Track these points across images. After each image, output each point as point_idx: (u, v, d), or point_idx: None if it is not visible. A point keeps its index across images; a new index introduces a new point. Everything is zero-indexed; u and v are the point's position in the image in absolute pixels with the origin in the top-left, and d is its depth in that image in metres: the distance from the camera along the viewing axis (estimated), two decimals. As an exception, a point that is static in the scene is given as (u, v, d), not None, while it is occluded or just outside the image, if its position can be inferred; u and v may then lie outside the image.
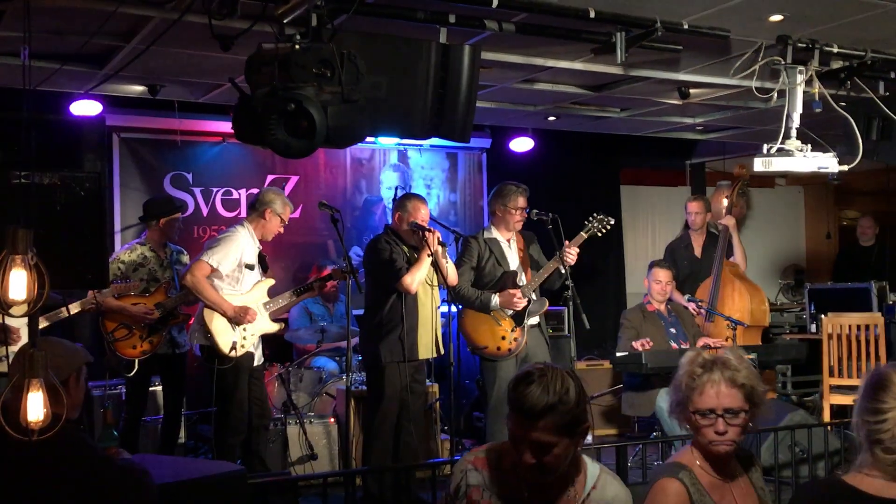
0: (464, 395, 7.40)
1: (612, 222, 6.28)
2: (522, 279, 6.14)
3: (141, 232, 6.35)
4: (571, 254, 5.99)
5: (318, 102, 3.34)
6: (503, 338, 6.01)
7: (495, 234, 6.22)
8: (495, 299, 6.00)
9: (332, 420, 6.49)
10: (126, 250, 6.17)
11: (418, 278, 5.66)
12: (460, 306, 6.09)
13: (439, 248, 5.67)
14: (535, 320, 6.15)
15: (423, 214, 5.80)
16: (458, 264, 6.10)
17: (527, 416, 2.41)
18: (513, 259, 6.20)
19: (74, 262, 3.42)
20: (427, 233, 5.61)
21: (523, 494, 2.54)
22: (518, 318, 6.06)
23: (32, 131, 3.13)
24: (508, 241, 6.23)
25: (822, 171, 5.37)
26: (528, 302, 6.04)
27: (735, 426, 2.57)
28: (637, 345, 6.30)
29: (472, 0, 4.27)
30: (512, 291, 6.00)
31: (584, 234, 6.14)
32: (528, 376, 2.47)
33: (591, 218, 6.22)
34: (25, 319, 2.96)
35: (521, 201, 6.12)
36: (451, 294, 5.87)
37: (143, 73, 5.76)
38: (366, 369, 5.98)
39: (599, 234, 6.25)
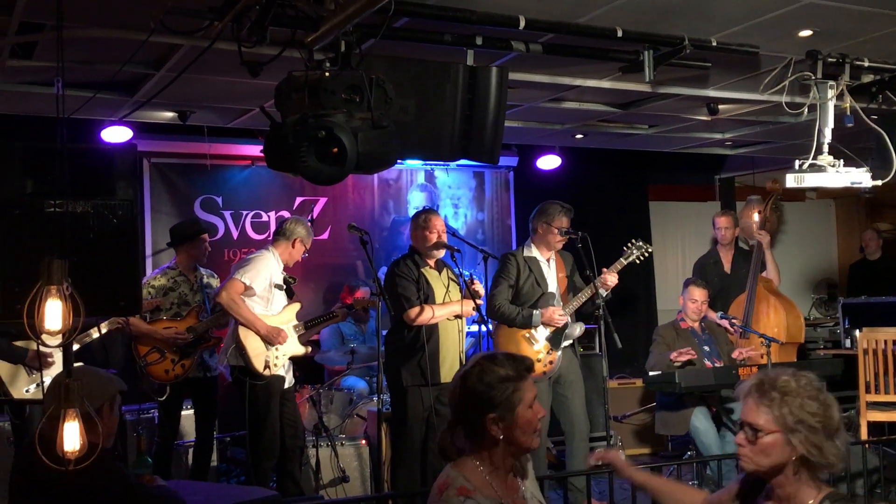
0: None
1: (651, 250, 6.23)
2: (559, 303, 6.08)
3: (172, 257, 6.39)
4: (610, 281, 5.93)
5: (349, 129, 3.35)
6: (538, 360, 5.95)
7: (535, 252, 6.15)
8: (537, 315, 5.94)
9: (364, 442, 6.47)
10: (156, 275, 6.21)
11: (426, 317, 5.67)
12: (490, 327, 6.06)
13: (469, 310, 5.74)
14: (567, 341, 6.11)
15: (438, 226, 5.82)
16: (495, 281, 6.06)
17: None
18: (551, 279, 6.15)
19: (108, 290, 3.43)
20: (476, 286, 5.68)
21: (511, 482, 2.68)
22: (555, 341, 6.01)
23: (65, 160, 3.15)
24: (548, 260, 6.17)
25: (855, 186, 5.30)
26: (566, 326, 6.00)
27: (752, 444, 2.46)
28: (675, 355, 6.23)
29: (498, 22, 4.27)
30: (553, 308, 5.94)
31: (623, 261, 6.11)
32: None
33: (629, 244, 6.17)
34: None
35: (566, 222, 6.06)
36: (489, 312, 5.87)
37: (173, 99, 5.82)
38: (390, 391, 5.98)
39: (638, 262, 6.22)
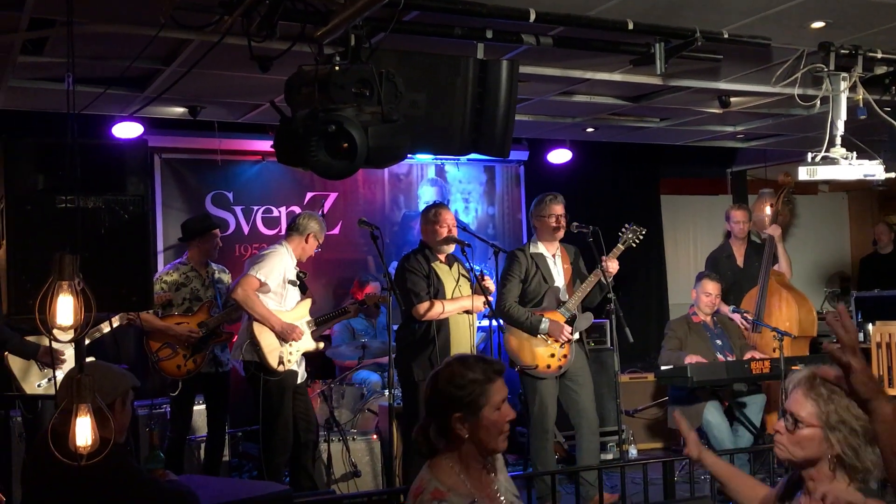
0: (506, 410, 7.33)
1: (645, 232, 6.21)
2: (565, 295, 6.07)
3: (183, 252, 6.40)
4: (611, 268, 5.91)
5: (359, 123, 3.34)
6: (552, 355, 5.94)
7: (541, 248, 6.14)
8: (545, 324, 5.90)
9: (375, 437, 6.48)
10: (168, 271, 6.23)
11: (436, 312, 5.68)
12: (501, 323, 6.04)
13: (479, 305, 5.75)
14: (575, 335, 6.09)
15: (449, 220, 5.82)
16: (503, 280, 6.03)
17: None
18: (558, 274, 6.13)
19: (119, 285, 3.44)
20: (486, 282, 5.70)
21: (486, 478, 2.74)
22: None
23: (77, 156, 3.15)
24: (554, 255, 6.15)
25: (868, 178, 5.27)
26: (574, 319, 5.98)
27: (790, 434, 2.48)
28: (689, 360, 6.24)
29: (508, 15, 4.24)
30: (562, 325, 5.90)
31: (620, 246, 6.08)
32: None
33: (624, 229, 6.16)
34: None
35: (556, 208, 6.03)
36: (498, 312, 5.84)
37: (183, 95, 5.82)
38: (401, 386, 5.98)
39: (634, 245, 6.18)
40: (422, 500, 2.60)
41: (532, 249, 6.14)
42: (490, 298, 5.71)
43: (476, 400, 2.65)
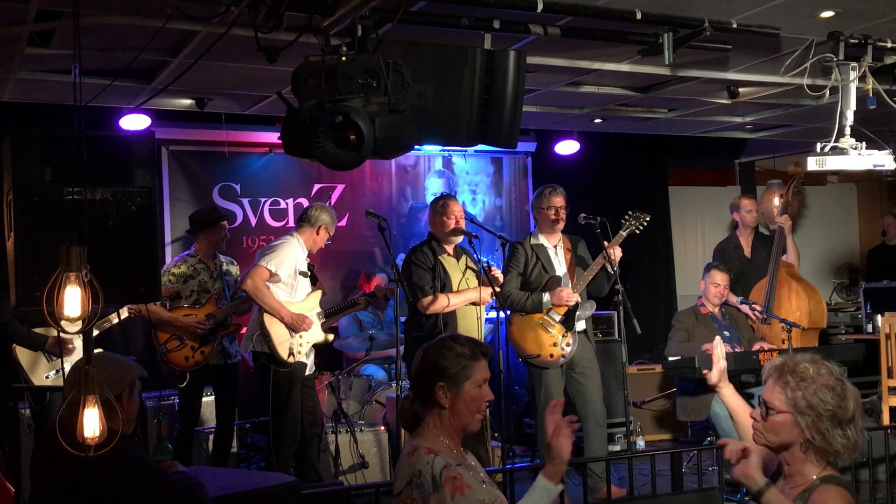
0: (514, 401, 7.35)
1: (648, 218, 6.19)
2: (567, 284, 6.07)
3: (191, 244, 6.41)
4: (614, 255, 5.91)
5: (366, 114, 3.33)
6: (554, 344, 5.96)
7: (542, 239, 6.15)
8: (546, 297, 5.95)
9: (383, 428, 6.49)
10: (176, 263, 6.24)
11: (441, 306, 5.68)
12: (508, 314, 6.03)
13: (486, 297, 5.77)
14: (581, 325, 6.09)
15: (457, 212, 5.81)
16: (505, 270, 6.06)
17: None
18: (559, 265, 6.14)
19: (126, 277, 3.44)
20: (493, 272, 5.67)
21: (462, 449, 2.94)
22: (568, 323, 5.99)
23: (84, 147, 3.15)
24: (555, 246, 6.16)
25: (877, 168, 5.24)
26: (577, 307, 5.98)
27: (764, 421, 2.60)
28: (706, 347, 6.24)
29: (516, 5, 4.23)
30: (562, 288, 5.94)
31: (623, 233, 6.07)
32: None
33: (627, 216, 6.15)
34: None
35: (556, 200, 6.05)
36: (500, 300, 5.84)
37: (190, 86, 5.82)
38: (409, 378, 5.97)
39: (637, 231, 6.17)
40: (419, 456, 2.75)
41: (532, 241, 6.16)
42: (498, 289, 5.71)
43: (460, 372, 2.84)
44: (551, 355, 5.95)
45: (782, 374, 2.58)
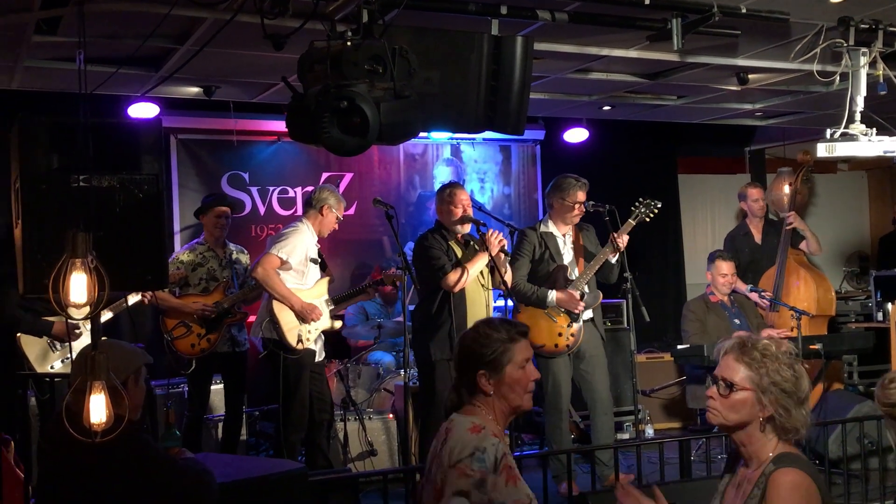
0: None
1: (659, 205, 6.15)
2: (575, 272, 6.06)
3: (200, 233, 6.43)
4: (620, 242, 5.89)
5: (371, 99, 3.32)
6: (560, 334, 5.94)
7: (551, 227, 6.12)
8: (552, 295, 5.91)
9: (391, 416, 6.50)
10: (185, 251, 6.25)
11: (465, 278, 5.63)
12: (514, 304, 6.03)
13: (502, 256, 5.63)
14: (588, 314, 6.06)
15: (464, 199, 5.78)
16: (513, 258, 6.01)
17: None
18: (567, 253, 6.12)
19: (134, 264, 3.44)
20: (488, 235, 5.58)
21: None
22: (573, 313, 5.97)
23: (90, 135, 3.15)
24: (564, 235, 6.13)
25: (888, 154, 5.20)
26: (582, 296, 5.96)
27: (724, 398, 2.57)
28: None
29: (523, -10, 4.22)
30: (572, 292, 5.91)
31: (632, 221, 6.04)
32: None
33: (637, 203, 6.11)
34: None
35: (581, 195, 5.99)
36: (507, 289, 5.82)
37: (197, 74, 5.82)
38: (418, 366, 5.98)
39: (647, 220, 6.13)
40: (485, 435, 2.71)
41: (542, 228, 6.13)
42: (504, 277, 5.68)
43: (499, 357, 2.80)
44: (556, 345, 5.95)
45: (745, 351, 2.57)
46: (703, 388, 6.32)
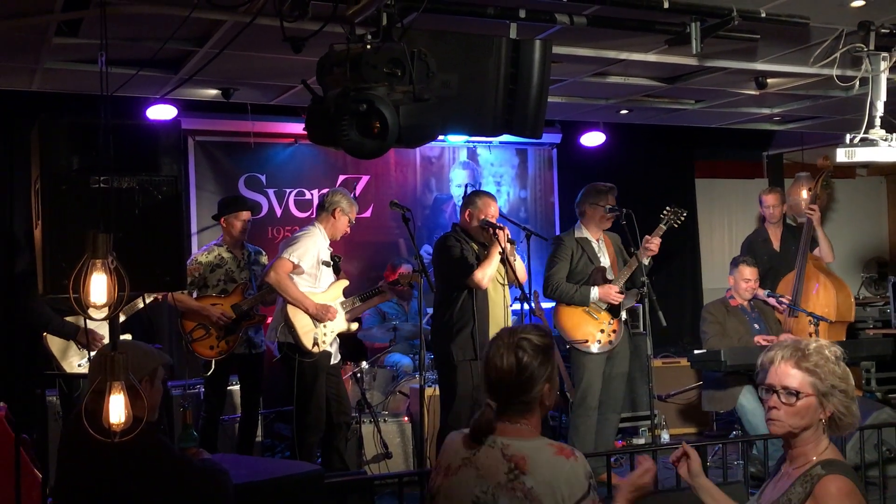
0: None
1: (686, 213, 6.32)
2: (611, 274, 6.26)
3: (220, 234, 6.45)
4: (653, 245, 6.02)
5: (390, 102, 3.32)
6: (602, 331, 6.15)
7: (585, 233, 6.33)
8: (594, 291, 6.13)
9: (407, 419, 6.50)
10: (204, 252, 6.27)
11: (489, 273, 5.65)
12: (554, 303, 6.26)
13: (508, 245, 5.65)
14: (623, 315, 6.25)
15: (493, 211, 5.79)
16: (551, 263, 6.26)
17: None
18: (604, 257, 6.32)
19: (152, 265, 3.45)
20: (497, 230, 5.61)
21: None
22: (614, 310, 6.18)
23: (110, 136, 3.17)
24: (598, 240, 6.33)
25: (908, 160, 5.17)
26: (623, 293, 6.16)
27: (789, 407, 2.59)
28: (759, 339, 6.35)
29: (542, -6, 4.21)
30: (610, 286, 6.12)
31: (663, 227, 6.17)
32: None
33: (666, 210, 6.24)
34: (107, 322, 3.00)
35: (612, 200, 6.21)
36: (548, 293, 6.09)
37: (216, 76, 5.84)
38: (437, 368, 5.98)
39: (676, 226, 6.27)
40: (579, 458, 2.59)
41: (577, 234, 6.34)
42: (515, 270, 5.68)
43: (555, 365, 2.73)
44: (599, 341, 6.14)
45: (803, 358, 2.60)
46: (721, 392, 6.30)
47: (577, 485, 2.51)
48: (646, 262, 6.09)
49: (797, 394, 2.58)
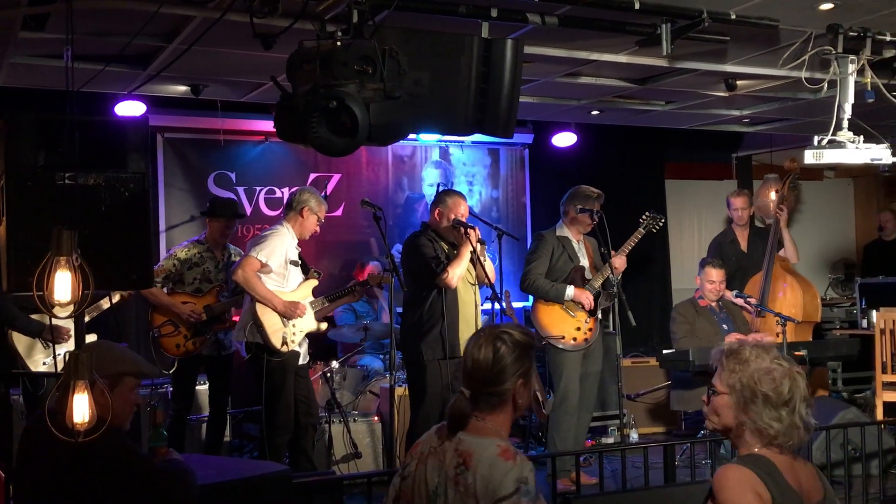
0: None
1: (664, 220, 6.41)
2: (589, 274, 6.29)
3: (190, 232, 6.38)
4: (618, 263, 6.13)
5: (360, 99, 3.31)
6: (578, 329, 6.17)
7: (567, 233, 6.34)
8: (570, 290, 6.14)
9: (377, 418, 6.48)
10: (184, 248, 6.18)
11: (458, 273, 5.65)
12: (532, 299, 6.32)
13: (479, 245, 5.65)
14: (598, 314, 6.29)
15: (462, 210, 5.79)
16: (530, 258, 6.27)
17: None
18: (583, 257, 6.34)
19: (119, 263, 3.43)
20: (468, 229, 5.61)
21: None
22: (591, 309, 6.21)
23: (76, 132, 3.13)
24: (578, 241, 6.35)
25: (875, 162, 5.22)
26: (597, 297, 6.20)
27: (710, 404, 2.64)
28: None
29: (513, -7, 4.21)
30: (586, 291, 6.16)
31: (641, 231, 6.30)
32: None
33: (645, 215, 6.34)
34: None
35: (597, 206, 6.21)
36: (524, 287, 6.09)
37: (185, 73, 5.79)
38: (407, 367, 5.97)
39: (654, 231, 6.39)
40: (521, 462, 2.57)
41: (559, 233, 6.35)
42: (485, 270, 5.69)
43: (532, 363, 2.74)
44: (575, 339, 6.16)
45: (727, 359, 2.62)
46: (690, 392, 6.36)
47: (503, 486, 2.51)
48: (613, 279, 6.09)
49: (714, 390, 2.62)
